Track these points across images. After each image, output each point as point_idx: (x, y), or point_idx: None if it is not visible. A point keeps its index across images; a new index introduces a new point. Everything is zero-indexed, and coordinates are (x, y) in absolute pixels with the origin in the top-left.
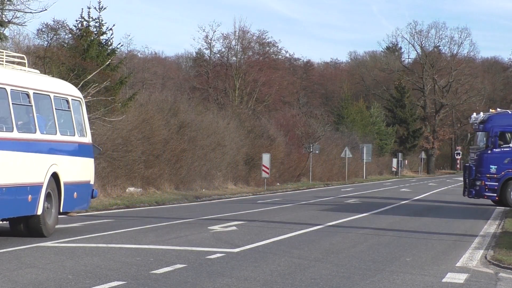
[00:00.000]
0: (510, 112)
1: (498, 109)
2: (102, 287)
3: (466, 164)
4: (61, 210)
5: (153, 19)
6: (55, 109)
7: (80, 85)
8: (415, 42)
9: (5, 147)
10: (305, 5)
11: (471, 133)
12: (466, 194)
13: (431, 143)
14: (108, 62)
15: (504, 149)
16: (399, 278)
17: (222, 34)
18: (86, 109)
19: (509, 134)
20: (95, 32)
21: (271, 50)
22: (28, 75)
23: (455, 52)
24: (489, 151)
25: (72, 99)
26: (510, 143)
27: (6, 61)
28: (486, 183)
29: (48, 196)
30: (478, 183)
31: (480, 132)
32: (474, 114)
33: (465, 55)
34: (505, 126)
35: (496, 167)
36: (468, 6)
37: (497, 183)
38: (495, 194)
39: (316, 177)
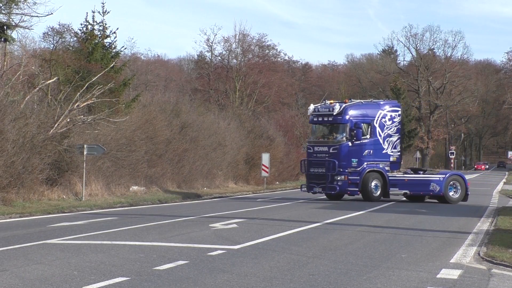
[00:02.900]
0: (363, 102)
1: (353, 100)
2: (107, 283)
3: (312, 159)
4: None
5: (156, 22)
6: None
7: (85, 87)
8: (410, 45)
9: None
10: (303, 9)
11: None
12: (320, 190)
13: (425, 143)
14: (112, 65)
15: (363, 141)
16: (394, 274)
17: (223, 37)
18: (91, 110)
19: (365, 125)
20: (99, 36)
21: (271, 53)
22: None
23: (449, 54)
24: (350, 144)
25: None
26: (367, 134)
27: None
28: (349, 177)
29: None
30: (340, 178)
31: (332, 124)
32: (312, 105)
33: (459, 57)
34: (361, 117)
35: (357, 160)
36: (462, 10)
37: (358, 177)
38: (357, 189)
39: None
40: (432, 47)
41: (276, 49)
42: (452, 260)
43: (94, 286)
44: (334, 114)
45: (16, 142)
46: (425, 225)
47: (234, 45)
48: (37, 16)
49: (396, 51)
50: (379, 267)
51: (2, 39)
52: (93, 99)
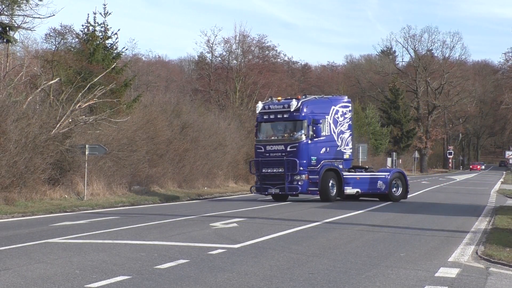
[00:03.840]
0: (317, 98)
1: (309, 96)
2: (108, 282)
3: (264, 159)
4: None
5: (157, 24)
6: None
7: (86, 88)
8: (408, 46)
9: None
10: (303, 11)
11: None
12: (277, 191)
13: (424, 143)
14: (113, 66)
15: (321, 138)
16: (393, 272)
17: (223, 38)
18: (93, 110)
19: (321, 121)
20: (101, 37)
21: (270, 54)
22: None
23: (447, 55)
24: (309, 141)
25: None
26: (323, 131)
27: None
28: (310, 176)
29: None
30: (299, 177)
31: (289, 121)
32: (260, 103)
33: (457, 58)
34: (318, 113)
35: (316, 158)
36: (460, 12)
37: (317, 176)
38: (317, 188)
39: None
40: (430, 48)
41: (276, 50)
42: (450, 259)
43: (95, 284)
44: (292, 110)
45: (19, 142)
46: (424, 224)
47: (234, 46)
48: (39, 18)
49: (394, 52)
50: (378, 266)
51: (5, 40)
52: (94, 99)
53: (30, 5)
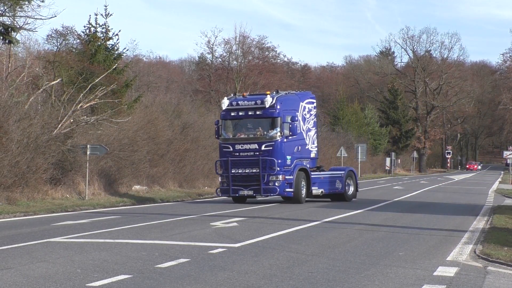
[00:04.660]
0: (287, 94)
1: (281, 91)
2: (109, 281)
3: (234, 159)
4: None
5: (157, 25)
6: None
7: (88, 88)
8: (407, 47)
9: None
10: (302, 12)
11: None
12: (251, 193)
13: (422, 143)
14: (114, 66)
15: (294, 136)
16: (392, 271)
17: (224, 39)
18: (94, 111)
19: (297, 119)
20: (102, 38)
21: (270, 55)
22: None
23: (445, 56)
24: (285, 140)
25: None
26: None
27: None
28: (286, 177)
29: None
30: (276, 178)
31: (263, 118)
32: (226, 99)
33: (455, 59)
34: (291, 110)
35: (290, 157)
36: (458, 13)
37: (292, 176)
38: (292, 189)
39: None
40: (429, 48)
41: (276, 51)
42: (449, 258)
43: (97, 283)
44: (267, 107)
45: (21, 142)
46: (422, 223)
47: (234, 47)
48: (41, 19)
49: (393, 52)
50: (377, 265)
51: (7, 41)
52: (96, 100)
53: (32, 6)
